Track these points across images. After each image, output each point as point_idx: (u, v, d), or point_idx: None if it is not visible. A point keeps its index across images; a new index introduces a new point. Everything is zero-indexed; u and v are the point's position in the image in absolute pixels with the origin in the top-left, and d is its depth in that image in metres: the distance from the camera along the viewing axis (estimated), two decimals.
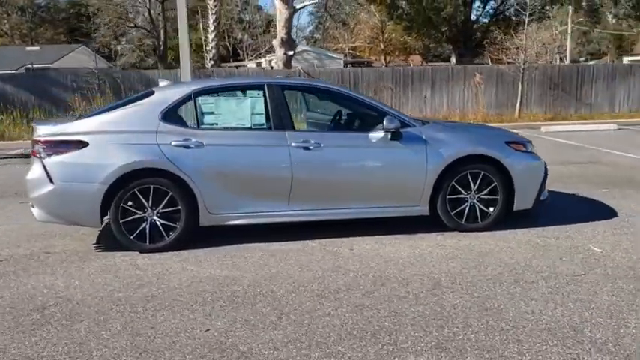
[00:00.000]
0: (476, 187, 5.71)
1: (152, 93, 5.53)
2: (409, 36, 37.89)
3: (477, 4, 34.85)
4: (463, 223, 5.74)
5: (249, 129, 5.51)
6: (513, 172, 5.72)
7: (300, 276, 4.60)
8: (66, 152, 5.16)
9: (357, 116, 6.07)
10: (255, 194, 5.40)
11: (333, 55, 32.67)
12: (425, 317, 3.77)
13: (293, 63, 22.98)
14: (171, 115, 5.39)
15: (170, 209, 5.26)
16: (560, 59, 30.84)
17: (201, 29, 41.70)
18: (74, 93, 17.67)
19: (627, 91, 21.16)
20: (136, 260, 5.08)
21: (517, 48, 19.22)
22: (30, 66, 27.49)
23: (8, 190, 8.61)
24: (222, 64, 30.54)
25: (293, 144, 5.40)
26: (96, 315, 3.93)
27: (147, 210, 5.24)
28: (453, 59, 40.16)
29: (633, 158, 10.82)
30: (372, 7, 43.92)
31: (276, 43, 22.11)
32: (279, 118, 5.48)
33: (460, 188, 5.69)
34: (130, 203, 5.21)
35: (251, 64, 32.67)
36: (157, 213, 5.26)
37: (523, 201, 5.83)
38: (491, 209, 5.77)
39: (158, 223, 5.28)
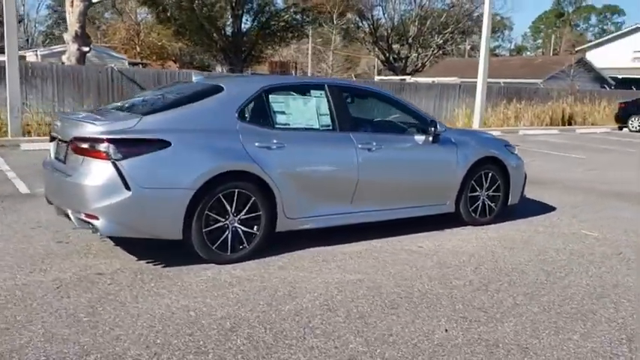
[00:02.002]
0: (487, 185, 6.38)
1: (220, 88, 4.96)
2: (179, 42, 37.27)
3: (245, 17, 35.88)
4: (477, 217, 6.36)
5: (318, 130, 5.32)
6: (511, 171, 6.54)
7: (422, 274, 4.68)
8: (146, 153, 4.38)
9: (397, 119, 6.24)
10: (325, 196, 5.24)
11: (116, 55, 30.45)
12: (589, 295, 4.30)
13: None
14: (246, 113, 4.96)
15: (251, 215, 4.82)
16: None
17: None
18: None
19: None
20: (232, 272, 4.54)
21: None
22: None
23: None
24: None
25: (359, 145, 5.39)
26: (305, 330, 3.55)
27: (229, 217, 4.72)
28: (219, 68, 40.72)
29: None
30: (127, 9, 42.17)
31: (68, 37, 19.87)
32: (343, 119, 5.41)
33: (476, 186, 6.30)
34: (213, 210, 4.64)
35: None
36: (239, 220, 4.77)
37: (515, 196, 6.70)
38: (493, 204, 6.49)
39: (240, 230, 4.79)
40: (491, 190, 6.42)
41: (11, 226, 5.71)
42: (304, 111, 5.29)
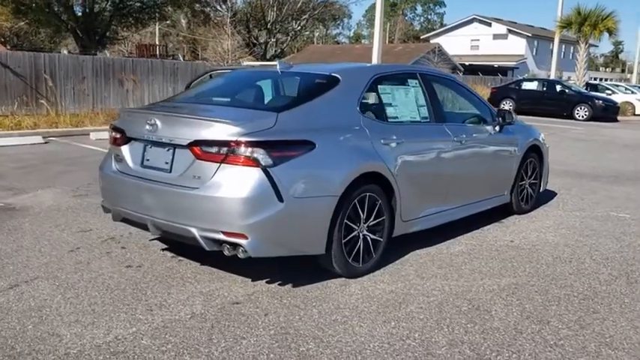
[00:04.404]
0: (529, 173, 6.33)
1: (337, 79, 4.27)
2: (20, 20, 33.18)
3: None
4: (523, 206, 6.29)
5: (420, 123, 4.84)
6: (544, 158, 6.57)
7: (562, 271, 4.47)
8: (295, 157, 3.63)
9: (468, 108, 5.90)
10: (428, 195, 4.81)
11: None
12: None
13: None
14: (364, 106, 4.36)
15: (376, 221, 4.26)
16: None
17: None
18: None
19: None
20: (376, 285, 3.98)
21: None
22: None
23: None
24: None
25: (454, 138, 5.02)
26: (559, 343, 3.18)
27: (359, 224, 4.12)
28: (64, 51, 37.07)
29: None
30: None
31: None
32: (437, 110, 4.99)
33: (524, 174, 6.23)
34: (348, 218, 4.01)
35: None
36: (367, 227, 4.19)
37: (545, 183, 6.74)
38: (532, 192, 6.46)
39: (369, 238, 4.21)
40: (532, 178, 6.39)
41: (42, 251, 4.52)
42: (406, 102, 4.78)
